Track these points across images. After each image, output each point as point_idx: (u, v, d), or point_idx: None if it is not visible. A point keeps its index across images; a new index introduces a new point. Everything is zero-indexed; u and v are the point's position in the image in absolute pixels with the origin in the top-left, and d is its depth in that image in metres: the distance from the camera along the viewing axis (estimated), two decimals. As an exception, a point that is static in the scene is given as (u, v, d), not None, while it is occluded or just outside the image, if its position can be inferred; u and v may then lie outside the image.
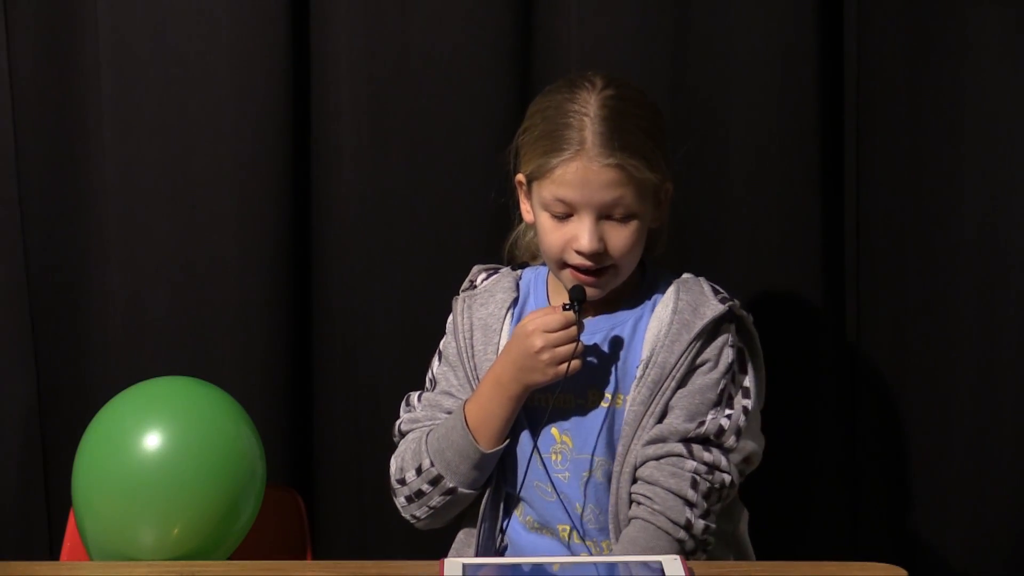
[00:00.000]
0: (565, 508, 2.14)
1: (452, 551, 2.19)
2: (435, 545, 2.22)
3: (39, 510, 2.66)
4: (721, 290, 2.18)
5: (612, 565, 1.96)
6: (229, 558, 2.07)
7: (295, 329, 2.62)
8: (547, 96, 2.15)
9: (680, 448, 2.09)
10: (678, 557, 1.90)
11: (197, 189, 2.58)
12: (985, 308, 2.56)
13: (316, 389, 2.65)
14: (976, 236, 2.55)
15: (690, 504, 2.07)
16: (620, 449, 2.10)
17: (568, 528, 2.14)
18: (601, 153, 2.06)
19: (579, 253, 2.08)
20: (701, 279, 2.19)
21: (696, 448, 2.09)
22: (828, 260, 2.58)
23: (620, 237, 2.09)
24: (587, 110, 2.08)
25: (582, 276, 2.10)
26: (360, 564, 2.00)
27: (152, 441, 2.02)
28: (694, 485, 2.08)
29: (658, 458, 2.09)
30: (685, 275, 2.20)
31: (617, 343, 2.15)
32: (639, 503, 2.09)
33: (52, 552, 2.62)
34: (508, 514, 2.18)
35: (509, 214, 2.27)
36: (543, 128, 2.11)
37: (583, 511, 2.14)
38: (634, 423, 2.10)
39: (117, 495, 2.02)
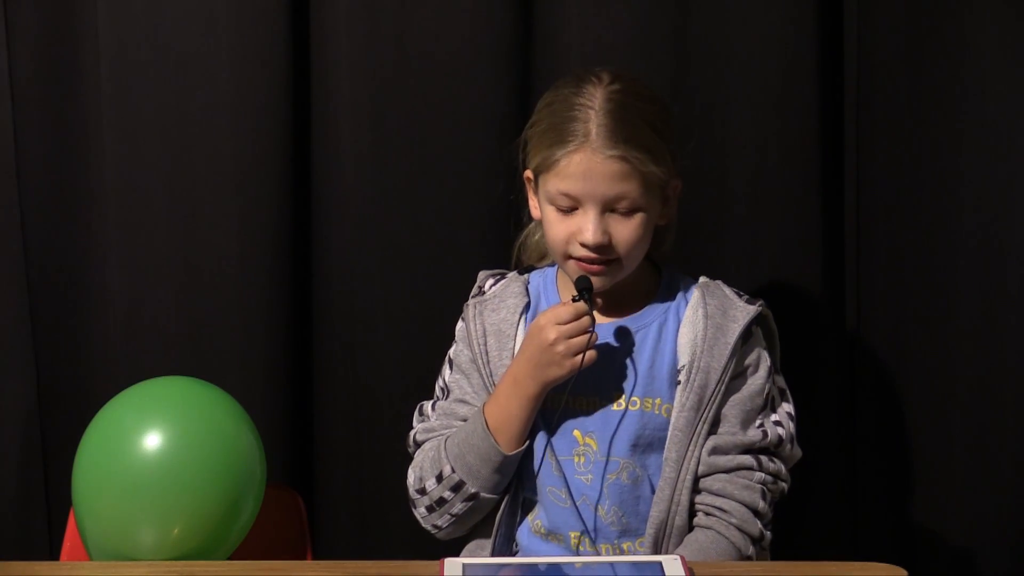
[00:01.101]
0: (579, 513, 2.14)
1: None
2: (435, 545, 2.22)
3: (39, 510, 2.66)
4: (741, 292, 2.19)
5: (611, 565, 1.96)
6: (229, 558, 2.07)
7: (295, 329, 2.62)
8: (554, 91, 2.15)
9: (750, 460, 2.11)
10: (678, 557, 1.91)
11: (197, 189, 2.58)
12: (985, 308, 2.56)
13: (316, 389, 2.65)
14: (976, 236, 2.55)
15: (760, 516, 2.11)
16: (674, 455, 2.10)
17: (578, 534, 2.14)
18: (605, 145, 2.06)
19: (584, 246, 2.09)
20: (719, 282, 2.20)
21: (764, 459, 2.12)
22: (828, 260, 2.58)
23: (625, 231, 2.09)
24: (592, 103, 2.08)
25: (586, 267, 2.10)
26: (360, 564, 2.00)
27: (152, 441, 2.02)
28: (764, 496, 2.11)
29: (729, 470, 2.11)
30: (703, 278, 2.20)
31: (643, 346, 2.15)
32: (712, 515, 2.10)
33: (52, 552, 2.62)
34: (523, 519, 2.18)
35: (514, 213, 2.28)
36: (549, 122, 2.11)
37: (606, 513, 2.14)
38: (687, 429, 2.10)
39: (117, 495, 2.02)
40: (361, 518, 2.63)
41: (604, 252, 2.09)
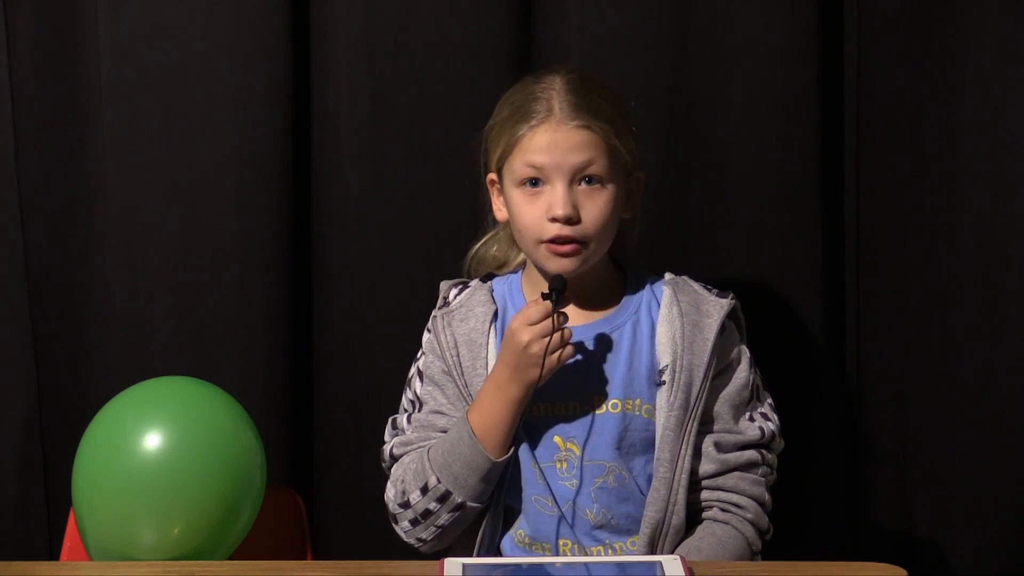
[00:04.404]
0: (567, 519, 2.14)
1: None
2: (435, 545, 2.22)
3: (39, 510, 2.66)
4: (709, 286, 2.20)
5: (611, 565, 1.96)
6: (229, 558, 2.07)
7: (295, 329, 2.62)
8: (513, 88, 2.18)
9: (756, 456, 2.14)
10: (678, 557, 1.91)
11: (197, 189, 2.58)
12: (985, 307, 2.56)
13: (316, 389, 2.65)
14: (976, 236, 2.55)
15: (766, 508, 2.14)
16: (667, 456, 2.11)
17: (564, 541, 2.14)
18: (569, 116, 2.08)
19: (554, 221, 2.08)
20: (686, 277, 2.21)
21: (765, 453, 2.15)
22: (828, 260, 2.58)
23: (594, 205, 2.09)
24: (553, 86, 2.11)
25: (558, 247, 2.09)
26: (360, 564, 2.00)
27: (152, 441, 2.02)
28: (768, 489, 2.15)
29: (740, 467, 2.13)
30: (668, 274, 2.21)
31: (619, 347, 2.15)
32: (728, 511, 2.12)
33: (52, 552, 2.62)
34: (505, 530, 2.17)
35: (481, 221, 2.28)
36: (510, 110, 2.13)
37: (594, 516, 2.13)
38: (678, 429, 2.11)
39: (117, 495, 2.02)
40: (361, 518, 2.63)
41: (574, 228, 2.08)
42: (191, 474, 2.02)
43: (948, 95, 2.53)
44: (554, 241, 2.09)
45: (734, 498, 2.12)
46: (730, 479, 2.12)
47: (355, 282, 2.60)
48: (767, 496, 2.14)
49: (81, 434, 2.09)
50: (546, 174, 2.09)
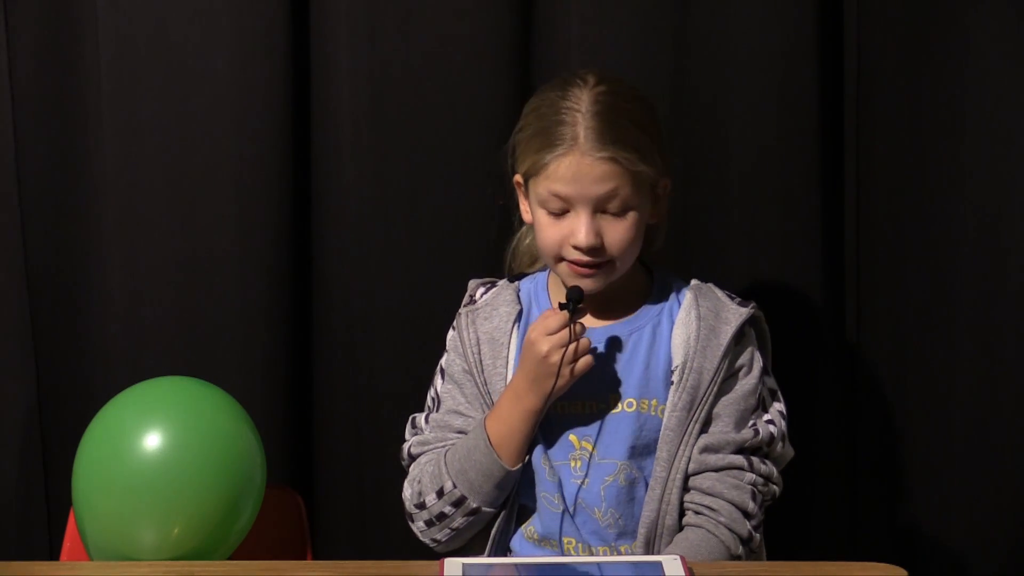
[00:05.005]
0: (573, 518, 2.14)
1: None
2: (435, 545, 2.22)
3: (39, 510, 2.66)
4: (733, 295, 2.19)
5: (612, 565, 1.96)
6: (229, 558, 2.07)
7: (295, 329, 2.62)
8: (540, 95, 2.16)
9: (741, 460, 2.11)
10: (678, 557, 1.91)
11: (197, 189, 2.58)
12: (985, 307, 2.56)
13: (316, 389, 2.65)
14: (976, 236, 2.55)
15: (750, 517, 2.10)
16: (664, 455, 2.11)
17: (570, 539, 2.14)
18: (594, 147, 2.06)
19: (576, 248, 2.08)
20: (711, 284, 2.20)
21: (755, 460, 2.12)
22: (828, 259, 2.58)
23: (617, 231, 2.09)
24: (579, 106, 2.08)
25: (579, 269, 2.10)
26: (360, 564, 2.00)
27: (152, 441, 2.02)
28: (754, 497, 2.11)
29: (718, 469, 2.11)
30: (695, 281, 2.20)
31: (638, 349, 2.15)
32: (701, 513, 2.10)
33: (52, 552, 2.62)
34: (517, 527, 2.17)
35: (498, 215, 2.27)
36: (537, 126, 2.11)
37: (603, 516, 2.13)
38: (678, 429, 2.11)
39: (117, 495, 2.02)
40: (361, 518, 2.63)
41: (596, 254, 2.09)
42: (191, 474, 2.02)
43: (948, 95, 2.53)
44: (575, 263, 2.10)
45: (708, 500, 2.10)
46: (707, 480, 2.11)
47: (355, 282, 2.60)
48: (750, 504, 2.10)
49: (81, 434, 2.09)
50: (570, 202, 2.08)
